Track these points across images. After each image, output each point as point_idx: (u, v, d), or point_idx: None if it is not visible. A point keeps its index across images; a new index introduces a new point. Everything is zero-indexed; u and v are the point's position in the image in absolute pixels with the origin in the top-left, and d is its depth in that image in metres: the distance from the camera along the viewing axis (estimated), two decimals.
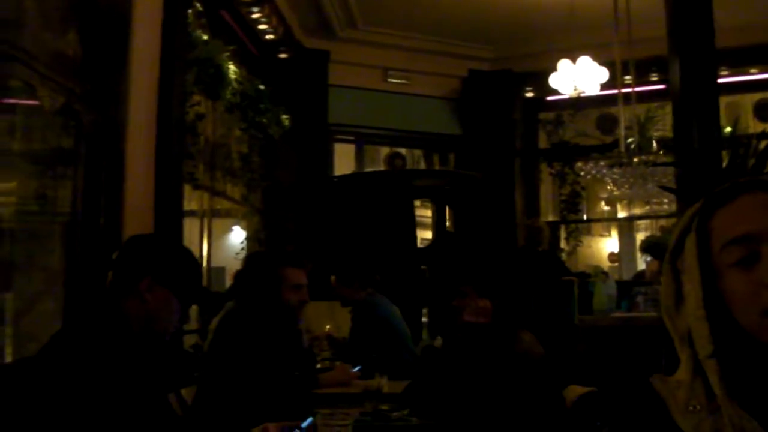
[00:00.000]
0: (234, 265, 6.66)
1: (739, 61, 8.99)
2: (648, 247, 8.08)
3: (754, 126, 9.27)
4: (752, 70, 9.42)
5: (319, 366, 5.06)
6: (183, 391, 3.17)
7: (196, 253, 5.86)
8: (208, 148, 6.41)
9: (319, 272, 4.96)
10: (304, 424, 2.75)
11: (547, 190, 10.59)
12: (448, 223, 9.94)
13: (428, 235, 9.95)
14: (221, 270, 8.60)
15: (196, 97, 5.78)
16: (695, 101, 6.20)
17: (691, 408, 1.24)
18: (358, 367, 4.70)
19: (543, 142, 10.33)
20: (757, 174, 4.99)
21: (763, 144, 5.44)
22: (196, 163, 5.90)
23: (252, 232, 8.06)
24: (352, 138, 9.89)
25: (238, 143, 7.18)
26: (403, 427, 3.54)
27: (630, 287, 7.48)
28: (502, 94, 9.87)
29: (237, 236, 8.67)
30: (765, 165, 5.08)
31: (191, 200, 6.18)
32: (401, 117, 9.75)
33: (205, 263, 6.51)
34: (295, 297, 4.00)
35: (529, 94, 10.06)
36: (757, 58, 9.20)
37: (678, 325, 1.32)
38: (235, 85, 6.53)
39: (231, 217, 8.37)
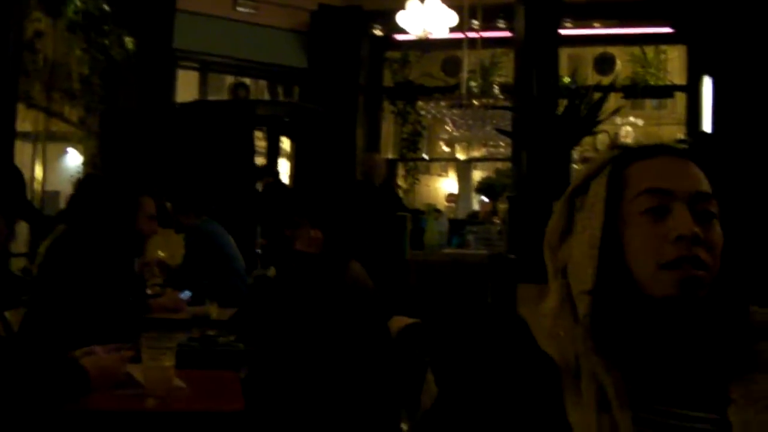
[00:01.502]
0: (69, 190, 6.47)
1: (583, 14, 9.20)
2: (483, 188, 8.30)
3: (594, 78, 9.58)
4: (595, 24, 9.67)
5: (150, 292, 5.01)
6: (8, 314, 3.09)
7: (28, 176, 5.67)
8: (46, 68, 6.17)
9: (156, 199, 4.89)
10: (128, 346, 2.74)
11: (388, 127, 10.70)
12: (288, 155, 9.96)
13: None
14: (56, 195, 8.33)
15: (36, 14, 5.55)
16: (536, 50, 6.38)
17: (554, 334, 1.27)
18: (188, 294, 4.68)
19: (388, 81, 10.40)
20: (589, 122, 5.22)
21: (597, 96, 5.68)
22: (32, 82, 5.68)
23: (89, 157, 7.84)
24: (196, 65, 9.71)
25: (78, 64, 6.93)
26: (229, 353, 3.57)
27: (462, 225, 7.70)
28: (350, 31, 9.85)
29: (73, 160, 8.41)
30: (597, 114, 5.31)
31: (25, 120, 5.97)
32: (248, 47, 9.62)
33: (38, 187, 6.31)
34: (149, 227, 3.96)
35: (378, 32, 10.07)
36: (600, 12, 9.44)
37: (558, 257, 1.36)
38: (78, 3, 6.29)
39: (67, 140, 8.12)
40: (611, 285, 1.25)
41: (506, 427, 1.26)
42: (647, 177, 1.28)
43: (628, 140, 11.88)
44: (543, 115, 5.40)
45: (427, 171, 13.29)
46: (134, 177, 3.99)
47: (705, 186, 1.29)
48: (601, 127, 5.52)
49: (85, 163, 7.81)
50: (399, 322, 3.23)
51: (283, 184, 8.61)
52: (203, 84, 9.82)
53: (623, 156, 1.34)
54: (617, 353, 1.23)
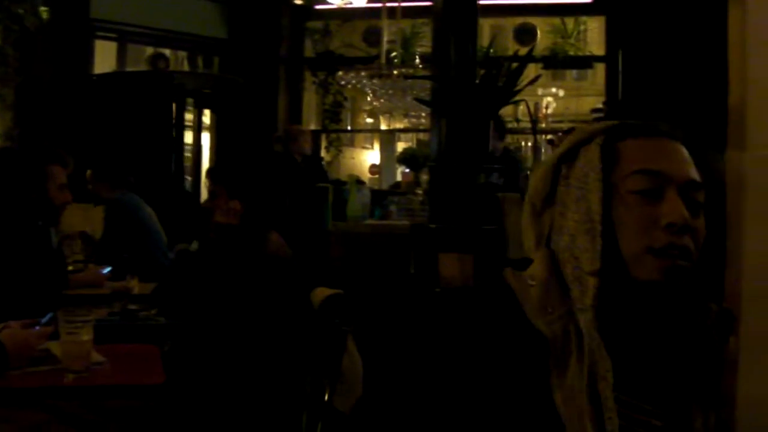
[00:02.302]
0: None
1: None
2: (405, 158, 8.33)
3: (514, 49, 9.65)
4: None
5: (71, 268, 4.94)
6: None
7: None
8: None
9: (75, 171, 4.82)
10: (44, 320, 2.71)
11: (310, 98, 10.65)
12: (208, 127, 9.87)
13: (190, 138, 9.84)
14: None
15: None
16: (455, 18, 6.38)
17: (545, 310, 1.25)
18: (108, 269, 4.64)
19: (309, 51, 10.35)
20: (507, 92, 5.27)
21: (515, 66, 5.73)
22: None
23: (4, 129, 7.67)
24: (114, 36, 9.51)
25: None
26: (150, 327, 3.56)
27: (385, 196, 7.74)
28: (270, 0, 9.77)
29: None
30: (515, 84, 5.36)
31: None
32: (167, 17, 9.44)
33: None
34: (60, 196, 3.90)
35: (298, 2, 9.98)
36: None
37: (540, 223, 1.35)
38: None
39: None
40: (605, 264, 1.24)
41: (489, 405, 1.23)
42: (643, 156, 1.27)
43: (549, 111, 12.05)
44: (461, 85, 5.42)
45: (351, 143, 13.30)
46: (45, 148, 3.91)
47: (697, 175, 1.29)
48: (522, 97, 5.57)
49: (0, 136, 7.63)
50: (321, 293, 3.26)
51: None
52: (121, 55, 9.63)
53: (618, 129, 1.32)
54: (607, 334, 1.23)
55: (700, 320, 1.29)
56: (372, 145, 14.74)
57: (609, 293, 1.24)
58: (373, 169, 13.74)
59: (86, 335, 2.53)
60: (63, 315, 2.56)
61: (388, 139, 13.20)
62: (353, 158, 13.68)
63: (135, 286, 4.39)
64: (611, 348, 1.22)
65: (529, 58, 7.35)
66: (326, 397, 2.81)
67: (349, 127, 11.48)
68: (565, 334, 1.23)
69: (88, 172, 5.54)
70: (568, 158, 1.34)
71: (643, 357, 1.26)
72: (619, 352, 1.23)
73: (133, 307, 3.80)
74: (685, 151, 1.31)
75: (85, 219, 5.79)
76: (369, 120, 13.96)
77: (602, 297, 1.23)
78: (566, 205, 1.30)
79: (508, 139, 8.74)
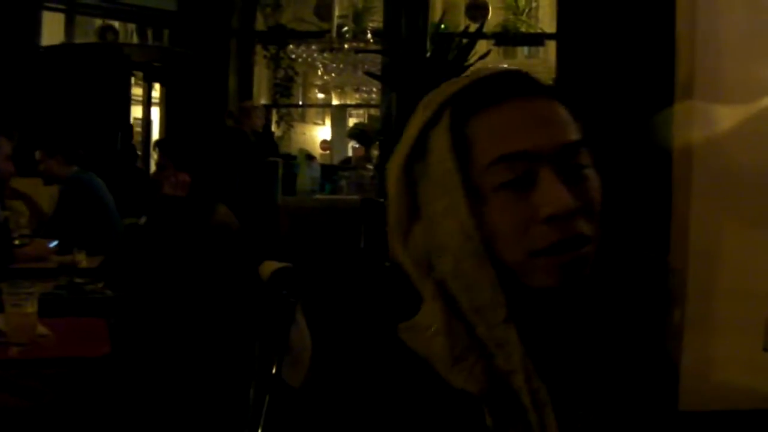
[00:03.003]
0: None
1: None
2: (355, 133, 8.34)
3: (465, 24, 9.67)
4: None
5: (17, 243, 4.88)
6: None
7: None
8: None
9: (21, 147, 4.75)
10: None
11: (261, 73, 10.58)
12: (158, 100, 9.78)
13: (140, 112, 9.75)
14: None
15: None
16: None
17: (456, 356, 0.95)
18: (55, 243, 4.59)
19: (260, 25, 10.27)
20: (458, 67, 5.28)
21: (465, 42, 5.76)
22: None
23: None
24: (63, 7, 9.34)
25: None
26: (97, 300, 3.53)
27: (335, 171, 7.76)
28: None
29: None
30: (465, 59, 5.38)
31: None
32: None
33: None
34: (5, 167, 3.85)
35: None
36: None
37: (412, 249, 1.02)
38: None
39: None
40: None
41: None
42: (497, 136, 0.97)
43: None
44: (411, 59, 5.44)
45: (303, 119, 13.27)
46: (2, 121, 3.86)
47: (572, 132, 1.00)
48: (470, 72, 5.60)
49: None
50: (269, 266, 3.26)
51: None
52: (70, 27, 9.47)
53: (461, 101, 1.01)
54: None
55: (628, 296, 1.09)
56: (323, 120, 14.72)
57: (511, 309, 0.97)
58: (324, 144, 13.74)
59: (31, 308, 2.52)
60: (7, 288, 2.54)
61: (339, 114, 13.20)
62: (304, 134, 13.65)
63: (82, 259, 4.34)
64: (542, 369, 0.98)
65: (480, 34, 7.38)
66: (274, 370, 2.81)
67: (300, 102, 11.42)
68: (492, 379, 0.95)
69: (38, 153, 5.44)
70: (419, 153, 1.02)
71: (573, 369, 1.02)
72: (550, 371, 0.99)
73: (79, 280, 3.76)
74: (553, 106, 1.01)
75: (34, 194, 5.71)
76: (321, 95, 13.92)
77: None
78: (433, 219, 1.00)
79: None
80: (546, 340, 1.00)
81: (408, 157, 1.03)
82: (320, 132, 14.49)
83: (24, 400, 2.13)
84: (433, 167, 1.00)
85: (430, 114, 1.01)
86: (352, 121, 12.45)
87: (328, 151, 13.14)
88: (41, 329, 2.60)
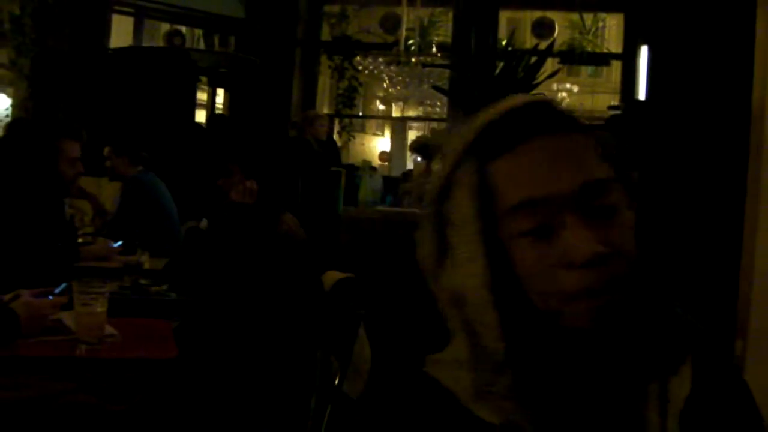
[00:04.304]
0: None
1: None
2: (417, 147, 8.30)
3: (532, 43, 9.64)
4: None
5: (80, 240, 4.95)
6: None
7: None
8: None
9: (89, 146, 4.82)
10: (57, 290, 2.71)
11: (325, 83, 10.64)
12: (222, 106, 9.85)
13: (203, 117, 9.84)
14: None
15: None
16: (476, 9, 6.37)
17: (485, 390, 0.97)
18: (119, 243, 4.64)
19: (326, 35, 10.32)
20: (526, 85, 5.26)
21: (534, 59, 5.74)
22: None
23: (19, 100, 7.66)
24: (131, 11, 9.50)
25: (8, 3, 6.76)
26: (161, 302, 3.55)
27: (396, 184, 7.75)
28: None
29: (1, 103, 8.23)
30: (534, 77, 5.36)
31: None
32: None
33: None
34: (72, 170, 3.89)
35: None
36: None
37: (443, 286, 1.02)
38: None
39: None
40: (517, 321, 0.97)
41: None
42: (516, 181, 0.95)
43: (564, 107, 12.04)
44: (480, 75, 5.43)
45: (362, 129, 13.31)
46: (58, 121, 3.90)
47: (598, 170, 0.96)
48: (537, 90, 5.57)
49: (14, 106, 7.63)
50: (332, 276, 3.26)
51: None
52: (138, 30, 9.62)
53: (483, 143, 1.00)
54: (539, 401, 0.97)
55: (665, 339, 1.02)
56: (383, 132, 14.75)
57: (538, 353, 0.97)
58: (383, 156, 13.75)
59: (101, 307, 2.53)
60: (78, 286, 2.55)
61: (399, 126, 13.20)
62: (363, 144, 13.69)
63: (146, 260, 4.38)
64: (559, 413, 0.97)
65: (550, 52, 7.35)
66: (336, 381, 2.80)
67: (360, 113, 11.45)
68: (517, 410, 0.96)
69: (107, 149, 5.54)
70: (445, 196, 1.02)
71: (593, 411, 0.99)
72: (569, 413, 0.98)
73: (143, 281, 3.79)
74: (574, 141, 0.98)
75: (97, 193, 5.79)
76: (381, 107, 13.95)
77: (531, 360, 0.96)
78: (457, 262, 1.00)
79: None
80: (578, 379, 0.98)
81: (438, 196, 1.03)
82: (379, 143, 14.52)
83: (110, 404, 2.13)
84: (456, 212, 1.00)
85: (449, 163, 1.02)
86: (411, 134, 12.45)
87: (386, 163, 13.15)
88: (109, 329, 2.62)
